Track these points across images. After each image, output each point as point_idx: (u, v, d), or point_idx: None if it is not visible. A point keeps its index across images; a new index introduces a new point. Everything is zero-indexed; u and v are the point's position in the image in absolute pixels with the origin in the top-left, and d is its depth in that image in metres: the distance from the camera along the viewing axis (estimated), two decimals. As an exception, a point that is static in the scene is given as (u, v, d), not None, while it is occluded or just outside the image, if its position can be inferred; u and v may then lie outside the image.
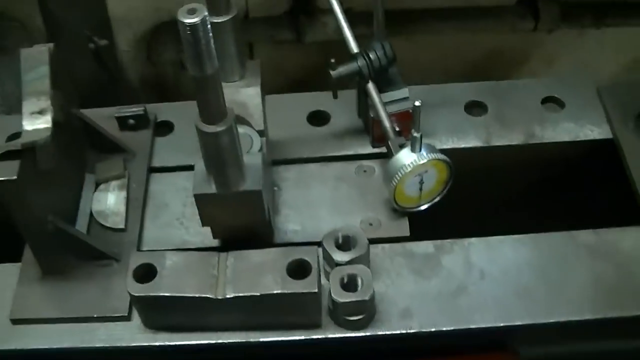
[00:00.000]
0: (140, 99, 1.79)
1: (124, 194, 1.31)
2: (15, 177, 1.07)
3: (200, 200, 1.14)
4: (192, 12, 0.95)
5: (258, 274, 1.13)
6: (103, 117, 1.40)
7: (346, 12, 1.69)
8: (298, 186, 1.34)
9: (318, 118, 1.45)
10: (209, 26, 0.95)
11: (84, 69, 1.56)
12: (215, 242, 1.27)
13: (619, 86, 1.45)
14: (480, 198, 1.42)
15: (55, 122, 1.17)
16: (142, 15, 1.79)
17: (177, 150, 1.40)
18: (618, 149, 1.36)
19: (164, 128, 1.44)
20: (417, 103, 1.16)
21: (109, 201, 1.31)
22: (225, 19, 1.20)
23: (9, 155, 1.10)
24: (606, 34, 1.91)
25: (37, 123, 1.17)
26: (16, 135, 1.43)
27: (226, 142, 1.06)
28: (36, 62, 1.22)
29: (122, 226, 1.28)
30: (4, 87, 1.79)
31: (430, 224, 1.29)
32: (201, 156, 1.16)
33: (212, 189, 1.13)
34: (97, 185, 1.33)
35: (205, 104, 1.03)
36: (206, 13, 0.94)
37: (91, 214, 1.30)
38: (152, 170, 1.38)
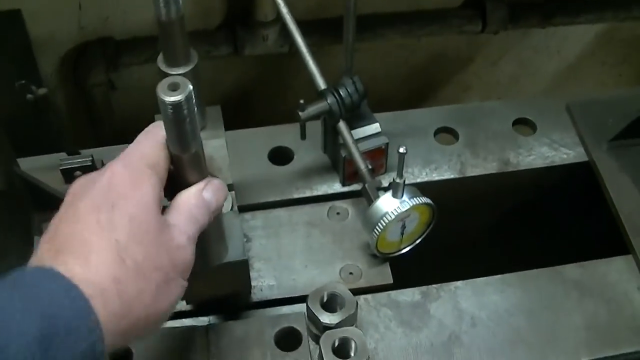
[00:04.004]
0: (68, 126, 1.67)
1: (78, 257, 1.19)
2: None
3: (180, 278, 1.04)
4: (173, 88, 0.83)
5: (244, 348, 1.05)
6: (43, 168, 1.27)
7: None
8: (267, 235, 1.25)
9: (280, 155, 1.35)
10: (193, 101, 0.84)
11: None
12: (185, 305, 1.17)
13: (588, 104, 1.40)
14: (456, 230, 1.35)
15: (-1, 192, 1.06)
16: (65, 35, 1.65)
17: (129, 201, 1.28)
18: (595, 172, 1.32)
19: (113, 176, 1.32)
20: (401, 150, 1.09)
21: (63, 268, 1.18)
22: (186, 71, 1.08)
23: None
24: (550, 33, 1.88)
25: (-23, 197, 1.05)
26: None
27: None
28: (-30, 124, 1.09)
29: (82, 295, 1.16)
30: None
31: (409, 264, 1.23)
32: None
33: (191, 265, 1.03)
34: (47, 249, 1.20)
35: (185, 181, 0.92)
36: (190, 87, 0.83)
37: (44, 284, 1.18)
38: (105, 226, 1.26)
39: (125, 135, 1.40)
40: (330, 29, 1.69)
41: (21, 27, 1.62)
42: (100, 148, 1.34)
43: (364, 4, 1.55)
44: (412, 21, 1.76)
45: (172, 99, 0.83)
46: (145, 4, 1.63)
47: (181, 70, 1.08)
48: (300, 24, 1.21)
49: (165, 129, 0.87)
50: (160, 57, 1.10)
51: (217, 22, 1.72)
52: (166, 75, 1.07)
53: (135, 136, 1.34)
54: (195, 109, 0.85)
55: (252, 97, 1.87)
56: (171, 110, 0.83)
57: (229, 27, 1.71)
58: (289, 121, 1.32)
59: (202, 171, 0.93)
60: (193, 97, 0.84)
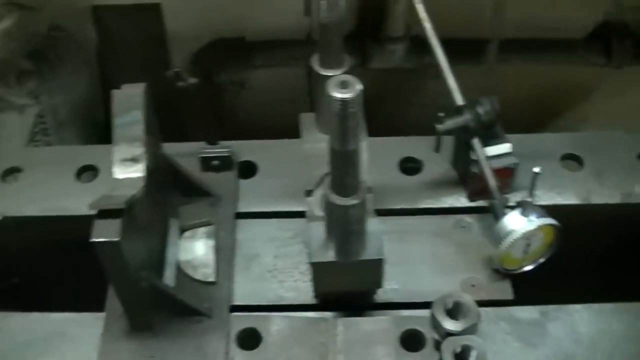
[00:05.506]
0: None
1: (212, 242, 1.25)
2: (117, 239, 0.99)
3: (318, 268, 1.09)
4: (344, 86, 0.88)
5: (369, 344, 1.09)
6: (182, 154, 1.32)
7: (414, 39, 1.64)
8: (395, 240, 1.28)
9: (410, 165, 1.39)
10: (361, 100, 0.89)
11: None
12: (311, 298, 1.22)
13: None
14: (573, 254, 1.37)
15: (147, 170, 1.11)
16: (201, 32, 1.71)
17: (262, 195, 1.34)
18: None
19: (248, 169, 1.38)
20: (536, 170, 1.12)
21: (197, 251, 1.24)
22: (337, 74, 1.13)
23: (107, 214, 1.02)
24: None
25: (129, 172, 1.10)
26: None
27: (356, 215, 1.01)
28: (130, 105, 1.14)
29: (212, 279, 1.22)
30: (53, 99, 1.71)
31: (528, 283, 1.25)
32: (311, 217, 1.11)
33: (331, 256, 1.07)
34: (182, 231, 1.26)
35: (340, 177, 0.97)
36: (360, 87, 0.89)
37: (178, 264, 1.23)
38: (238, 216, 1.32)
39: (249, 131, 1.46)
40: (459, 48, 1.72)
41: (159, 21, 1.70)
42: (238, 141, 1.39)
43: (494, 29, 1.59)
44: (538, 49, 1.79)
45: (342, 95, 0.88)
46: (281, 9, 1.71)
47: (333, 73, 1.13)
48: (423, 42, 1.25)
49: (330, 123, 0.91)
50: (314, 58, 1.15)
51: (345, 33, 1.76)
52: (319, 76, 1.13)
53: (260, 134, 1.40)
54: (361, 107, 0.90)
55: (372, 110, 1.91)
56: (339, 107, 0.89)
57: (358, 39, 1.76)
58: (406, 135, 1.40)
59: (357, 170, 0.97)
60: (361, 96, 0.89)
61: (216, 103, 1.80)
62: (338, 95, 0.88)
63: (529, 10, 1.74)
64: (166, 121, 1.26)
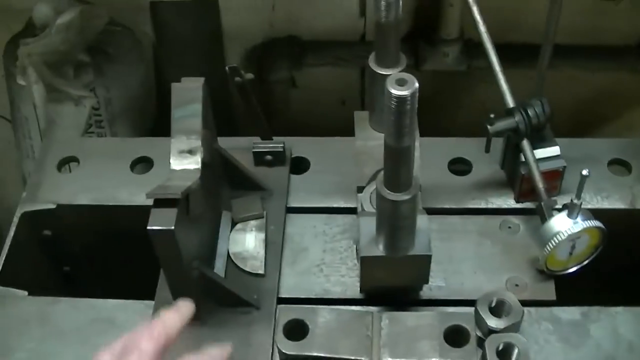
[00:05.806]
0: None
1: (262, 235, 1.28)
2: (172, 227, 1.02)
3: (367, 262, 1.11)
4: (402, 83, 0.91)
5: (414, 338, 1.11)
6: (236, 148, 1.35)
7: (466, 42, 1.66)
8: (441, 239, 1.30)
9: (459, 165, 1.41)
10: (417, 98, 0.92)
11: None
12: (357, 293, 1.24)
13: None
14: (618, 259, 1.38)
15: (203, 162, 1.14)
16: (256, 31, 1.74)
17: (313, 190, 1.37)
18: None
19: (300, 165, 1.41)
20: (584, 172, 1.13)
21: (248, 243, 1.27)
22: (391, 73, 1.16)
23: (164, 203, 1.05)
24: None
25: (185, 163, 1.14)
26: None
27: (407, 211, 1.03)
28: (189, 98, 1.17)
29: (261, 271, 1.24)
30: (108, 92, 1.76)
31: (569, 285, 1.26)
32: (361, 213, 1.14)
33: (379, 251, 1.10)
34: (234, 223, 1.29)
35: (393, 173, 1.00)
36: (417, 85, 0.91)
37: (228, 255, 1.26)
38: (289, 210, 1.35)
39: (298, 130, 1.49)
40: (507, 52, 1.74)
41: (216, 17, 1.73)
42: (291, 137, 1.42)
43: (548, 34, 1.60)
44: (589, 55, 1.80)
45: (399, 92, 0.90)
46: (335, 10, 1.73)
47: (389, 72, 1.15)
48: (475, 45, 1.27)
49: (386, 119, 0.94)
50: (371, 57, 1.18)
51: (403, 33, 1.79)
52: (376, 74, 1.16)
53: (309, 133, 1.43)
54: (416, 105, 0.92)
55: (422, 111, 1.93)
56: (395, 103, 0.91)
57: (412, 40, 1.78)
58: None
59: (410, 167, 0.99)
60: (417, 94, 0.91)
61: (267, 100, 1.83)
62: (395, 92, 0.90)
63: (580, 17, 1.76)
64: (217, 116, 1.29)
